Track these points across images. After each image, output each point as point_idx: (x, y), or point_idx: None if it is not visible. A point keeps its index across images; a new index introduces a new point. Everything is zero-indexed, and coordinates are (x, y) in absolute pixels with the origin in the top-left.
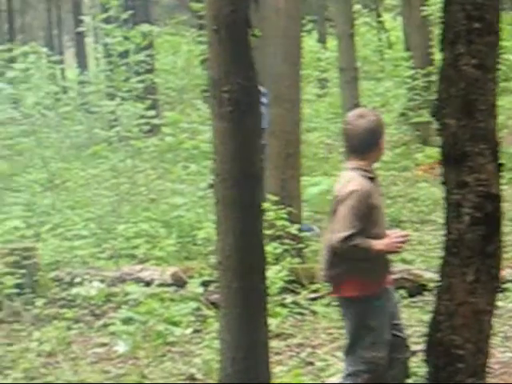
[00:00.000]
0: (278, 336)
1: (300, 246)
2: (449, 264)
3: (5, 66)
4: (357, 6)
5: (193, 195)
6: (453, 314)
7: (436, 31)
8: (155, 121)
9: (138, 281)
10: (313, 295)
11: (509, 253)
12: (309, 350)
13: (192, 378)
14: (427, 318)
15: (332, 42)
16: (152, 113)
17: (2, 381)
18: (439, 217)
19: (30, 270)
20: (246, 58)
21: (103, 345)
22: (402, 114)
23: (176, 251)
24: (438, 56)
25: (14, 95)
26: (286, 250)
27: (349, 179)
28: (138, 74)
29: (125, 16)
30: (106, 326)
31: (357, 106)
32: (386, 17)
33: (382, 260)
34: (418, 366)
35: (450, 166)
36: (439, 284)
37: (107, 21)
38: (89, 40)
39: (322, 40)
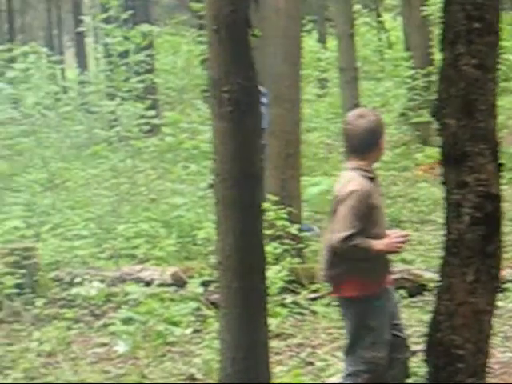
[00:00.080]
0: (278, 336)
1: (300, 246)
2: (449, 264)
3: (5, 66)
4: (357, 6)
5: (193, 195)
6: (453, 314)
7: (436, 31)
8: (155, 121)
9: (138, 281)
10: (313, 295)
11: (509, 253)
12: (309, 349)
13: (192, 378)
14: (427, 317)
15: (332, 42)
16: (152, 113)
17: (2, 381)
18: (439, 217)
19: (30, 269)
20: (246, 58)
21: (103, 345)
22: (402, 114)
23: (176, 251)
24: (437, 56)
25: (14, 95)
26: (285, 250)
27: (349, 179)
28: (138, 74)
29: (125, 16)
30: (105, 326)
31: (357, 106)
32: (386, 17)
33: (382, 260)
34: (418, 365)
35: (450, 166)
36: (439, 284)
37: (107, 21)
38: (89, 40)
39: (321, 40)
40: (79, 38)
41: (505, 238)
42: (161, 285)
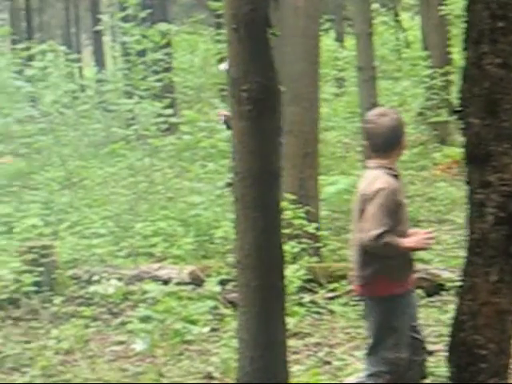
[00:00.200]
0: (295, 335)
1: (318, 245)
2: (472, 264)
3: (23, 64)
4: (375, 5)
5: (210, 194)
6: (476, 314)
7: (454, 30)
8: (173, 119)
9: (156, 279)
10: (330, 294)
11: None
12: (326, 349)
13: (209, 376)
14: (445, 317)
15: (349, 41)
16: (170, 111)
17: (19, 378)
18: (457, 216)
19: (48, 267)
20: (265, 57)
21: (121, 343)
22: (420, 114)
23: (193, 250)
24: (456, 55)
25: (33, 93)
26: (303, 249)
27: (375, 178)
28: (155, 72)
29: (143, 15)
30: (123, 324)
31: (374, 105)
32: (404, 16)
33: (408, 259)
34: (435, 365)
35: (473, 166)
36: (462, 284)
37: (125, 19)
38: (106, 38)
39: (339, 39)
40: (97, 36)
41: None
42: (178, 283)
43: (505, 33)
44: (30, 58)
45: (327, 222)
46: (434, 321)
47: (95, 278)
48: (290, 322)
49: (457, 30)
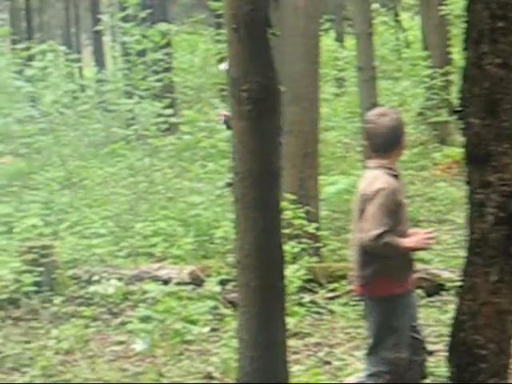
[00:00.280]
0: (295, 335)
1: (318, 245)
2: (472, 264)
3: (23, 64)
4: (375, 5)
5: (210, 194)
6: (476, 314)
7: (454, 30)
8: (173, 119)
9: (156, 279)
10: (330, 294)
11: None
12: (326, 349)
13: (209, 376)
14: (445, 317)
15: (349, 41)
16: (170, 111)
17: (19, 378)
18: (457, 216)
19: (48, 267)
20: (265, 57)
21: (121, 343)
22: (420, 114)
23: (193, 250)
24: (456, 55)
25: (33, 93)
26: (303, 249)
27: (375, 178)
28: (155, 72)
29: (143, 14)
30: (123, 324)
31: (374, 105)
32: (404, 16)
33: (408, 259)
34: (435, 365)
35: (473, 166)
36: (462, 284)
37: (125, 19)
38: (106, 38)
39: (339, 39)
40: (97, 36)
41: None
42: (178, 283)
43: (505, 33)
44: (30, 58)
45: (327, 222)
46: (434, 321)
47: (95, 278)
48: (290, 322)
49: (457, 30)
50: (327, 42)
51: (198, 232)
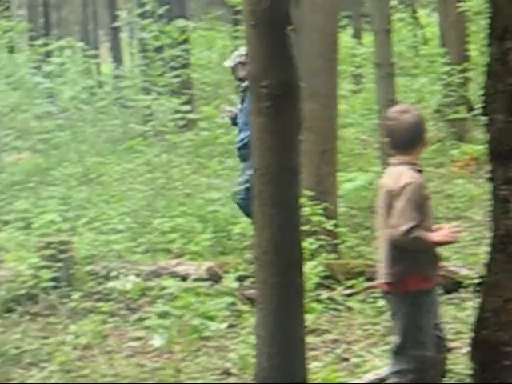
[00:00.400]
0: (313, 332)
1: (336, 241)
2: (496, 260)
3: (41, 61)
4: (393, 2)
5: (228, 190)
6: (499, 311)
7: (472, 27)
8: (190, 115)
9: (174, 275)
10: (348, 291)
11: None
12: (344, 346)
13: (227, 372)
14: (463, 315)
15: (367, 38)
16: (187, 107)
17: (37, 373)
18: (475, 213)
19: (66, 263)
20: (284, 54)
21: (139, 339)
22: (438, 111)
23: (211, 246)
24: (474, 52)
25: (51, 89)
26: (321, 246)
27: (399, 173)
28: (173, 68)
29: (160, 11)
30: (141, 319)
31: (392, 101)
32: (422, 13)
33: (435, 254)
34: (453, 363)
35: (497, 162)
36: (485, 280)
37: (143, 16)
38: (124, 35)
39: (357, 36)
40: (114, 32)
41: None
42: (196, 279)
43: None
44: (48, 54)
45: (345, 219)
46: (452, 318)
47: (113, 273)
48: (308, 318)
49: (475, 27)
50: (345, 38)
51: (215, 228)
